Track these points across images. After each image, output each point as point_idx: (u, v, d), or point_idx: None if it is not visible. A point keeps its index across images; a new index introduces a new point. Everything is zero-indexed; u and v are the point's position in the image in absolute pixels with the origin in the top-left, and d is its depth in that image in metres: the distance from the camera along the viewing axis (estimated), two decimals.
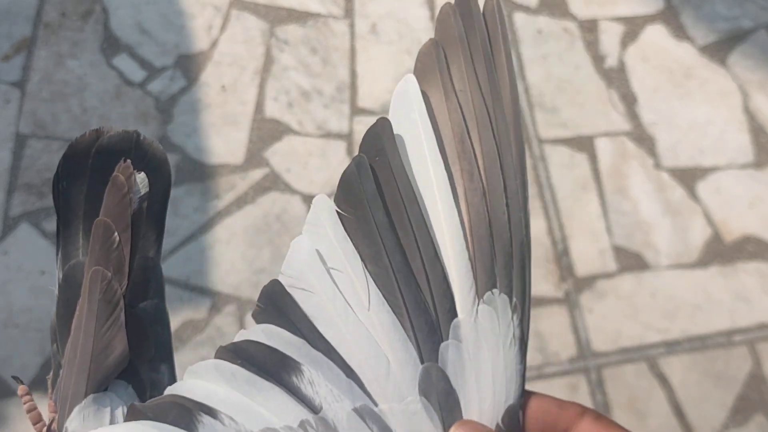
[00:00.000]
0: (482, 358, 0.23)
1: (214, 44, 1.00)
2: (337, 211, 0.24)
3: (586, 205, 0.92)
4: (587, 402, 0.83)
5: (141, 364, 0.26)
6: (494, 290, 0.24)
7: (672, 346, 0.86)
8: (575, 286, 0.88)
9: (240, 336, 0.24)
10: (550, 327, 0.86)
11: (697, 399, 0.83)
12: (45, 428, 0.26)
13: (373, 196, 0.24)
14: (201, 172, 0.92)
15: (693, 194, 0.93)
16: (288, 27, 1.02)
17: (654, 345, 0.86)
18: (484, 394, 0.23)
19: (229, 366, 0.23)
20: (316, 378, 0.23)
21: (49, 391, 0.28)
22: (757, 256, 0.90)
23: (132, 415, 0.23)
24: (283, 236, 0.89)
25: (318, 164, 0.93)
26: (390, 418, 0.23)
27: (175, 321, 0.84)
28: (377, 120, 0.25)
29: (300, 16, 1.03)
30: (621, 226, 0.91)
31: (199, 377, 0.24)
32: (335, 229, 0.24)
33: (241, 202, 0.91)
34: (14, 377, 0.28)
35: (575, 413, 0.24)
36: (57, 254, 0.28)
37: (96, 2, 1.01)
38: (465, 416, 0.23)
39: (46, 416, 0.27)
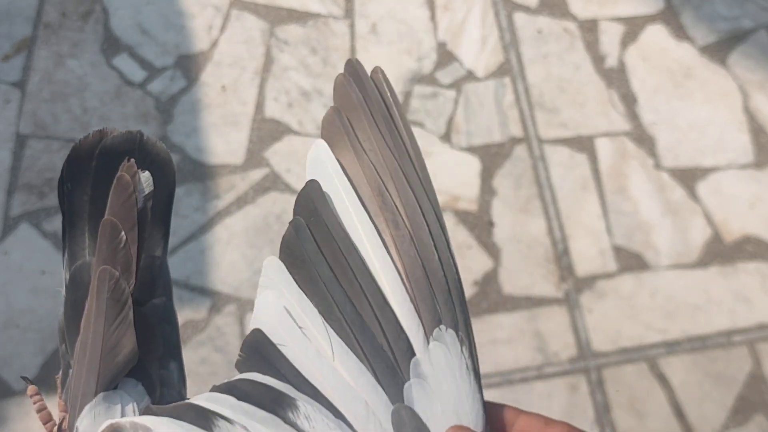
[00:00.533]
0: (444, 392, 0.24)
1: (214, 44, 1.00)
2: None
3: (586, 205, 0.92)
4: (587, 402, 0.83)
5: (150, 362, 0.26)
6: (441, 326, 0.25)
7: (672, 347, 0.86)
8: (575, 286, 0.88)
9: (228, 380, 0.25)
10: (550, 327, 0.86)
11: (697, 399, 0.83)
12: (55, 427, 0.26)
13: (315, 254, 0.25)
14: (201, 172, 0.92)
15: (693, 194, 0.93)
16: (288, 27, 1.02)
17: (654, 345, 0.86)
18: (452, 424, 0.24)
19: (225, 397, 0.24)
20: (312, 413, 0.24)
21: (59, 390, 0.28)
22: (757, 256, 0.90)
23: (148, 414, 0.24)
24: None
25: None
26: None
27: None
28: (306, 183, 0.26)
29: (300, 16, 1.03)
30: (621, 226, 0.91)
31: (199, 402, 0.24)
32: (290, 289, 0.25)
33: (241, 202, 0.91)
34: (23, 377, 0.28)
35: (561, 430, 0.24)
36: (63, 255, 0.28)
37: (96, 2, 1.01)
38: None
39: (56, 415, 0.27)
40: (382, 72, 0.28)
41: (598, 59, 1.01)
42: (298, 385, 0.24)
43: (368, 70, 0.28)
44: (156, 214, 0.27)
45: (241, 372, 0.25)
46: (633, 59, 1.01)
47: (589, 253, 0.90)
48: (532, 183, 0.93)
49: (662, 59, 1.01)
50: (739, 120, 0.98)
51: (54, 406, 0.27)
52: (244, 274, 0.87)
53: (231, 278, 0.87)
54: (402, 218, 0.26)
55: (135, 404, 0.25)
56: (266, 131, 0.95)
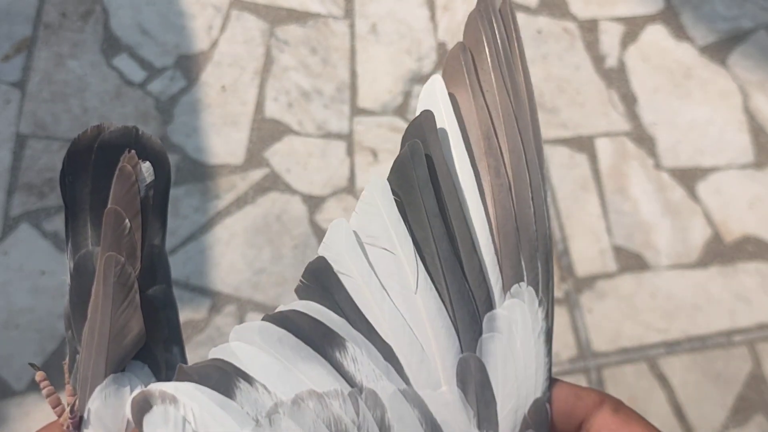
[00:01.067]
0: (515, 352, 0.24)
1: (214, 44, 1.00)
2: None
3: (586, 205, 0.92)
4: None
5: (155, 345, 0.27)
6: (521, 283, 0.24)
7: (672, 347, 0.86)
8: (575, 286, 0.88)
9: (282, 308, 0.24)
10: None
11: (697, 399, 0.83)
12: (66, 410, 0.26)
13: (425, 182, 0.24)
14: (201, 172, 0.92)
15: (693, 194, 0.93)
16: (288, 27, 1.02)
17: (654, 345, 0.86)
18: (518, 386, 0.23)
19: (276, 330, 0.24)
20: (360, 356, 0.23)
21: (66, 375, 0.28)
22: (757, 256, 0.90)
23: (179, 376, 0.24)
24: (283, 236, 0.89)
25: (318, 165, 0.93)
26: (430, 403, 0.23)
27: None
28: (421, 112, 0.26)
29: (300, 16, 1.03)
30: (621, 226, 0.91)
31: (243, 340, 0.24)
32: (390, 210, 0.24)
33: (241, 202, 0.91)
34: (31, 364, 0.29)
35: (593, 403, 0.24)
36: (66, 245, 0.29)
37: (96, 2, 1.02)
38: (499, 410, 0.23)
39: (65, 400, 0.27)
40: (511, 5, 0.27)
41: (598, 59, 1.01)
42: (354, 320, 0.24)
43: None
44: (154, 205, 0.28)
45: (300, 299, 0.25)
46: (633, 59, 1.01)
47: (589, 253, 0.90)
48: None
49: (662, 59, 1.01)
50: (739, 120, 0.98)
51: (61, 395, 0.28)
52: (244, 274, 0.87)
53: (231, 278, 0.87)
54: (504, 166, 0.25)
55: (143, 386, 0.26)
56: (266, 131, 0.95)
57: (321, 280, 0.24)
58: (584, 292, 0.88)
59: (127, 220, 0.26)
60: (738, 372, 0.85)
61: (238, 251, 0.88)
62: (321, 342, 0.24)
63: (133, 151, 0.27)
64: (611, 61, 1.01)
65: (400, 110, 0.97)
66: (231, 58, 0.99)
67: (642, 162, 0.95)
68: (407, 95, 0.98)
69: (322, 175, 0.93)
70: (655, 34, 1.03)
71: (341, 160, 0.94)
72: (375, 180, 0.25)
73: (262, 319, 0.24)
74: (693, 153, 0.96)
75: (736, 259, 0.90)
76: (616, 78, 1.00)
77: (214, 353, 0.24)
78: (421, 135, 0.25)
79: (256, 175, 0.92)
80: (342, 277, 0.24)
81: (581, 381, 0.84)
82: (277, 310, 0.25)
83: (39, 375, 0.28)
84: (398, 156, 0.25)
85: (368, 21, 1.03)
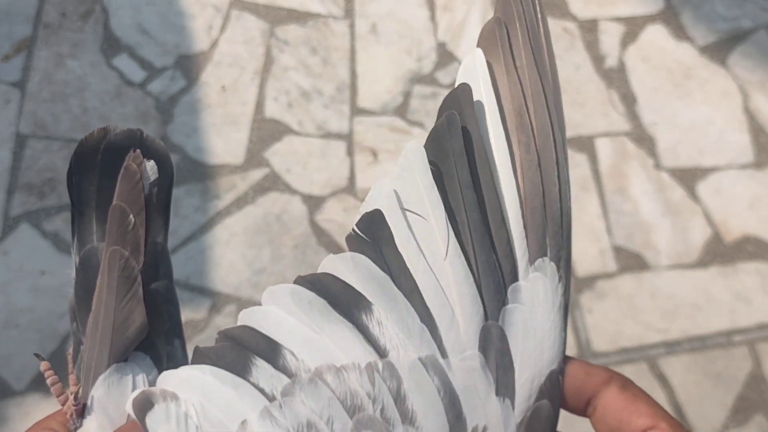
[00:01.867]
0: (536, 323, 0.24)
1: (214, 44, 1.00)
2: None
3: (586, 205, 0.92)
4: None
5: (157, 337, 0.28)
6: (545, 258, 0.25)
7: (672, 346, 0.86)
8: (575, 286, 0.88)
9: (327, 261, 0.25)
10: None
11: (697, 399, 0.83)
12: (71, 397, 0.27)
13: (460, 153, 0.25)
14: (201, 172, 0.92)
15: (693, 194, 0.93)
16: (288, 27, 1.02)
17: (654, 345, 0.86)
18: (535, 358, 0.24)
19: (306, 293, 0.25)
20: (385, 320, 0.24)
21: (70, 365, 0.29)
22: (757, 256, 0.90)
23: (195, 358, 0.25)
24: (283, 236, 0.89)
25: (318, 164, 0.93)
26: (451, 371, 0.23)
27: None
28: (458, 85, 0.26)
29: (300, 16, 1.03)
30: (621, 226, 0.91)
31: (275, 301, 0.25)
32: (424, 177, 0.25)
33: (241, 202, 0.91)
34: (36, 354, 0.30)
35: (601, 380, 0.24)
36: (73, 241, 0.30)
37: (96, 2, 1.01)
38: (517, 378, 0.24)
39: (69, 390, 0.28)
40: None
41: (598, 59, 1.01)
42: (397, 276, 0.24)
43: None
44: (157, 204, 0.29)
45: (349, 248, 0.25)
46: (633, 59, 1.01)
47: (589, 253, 0.90)
48: None
49: (662, 59, 1.01)
50: (739, 120, 0.98)
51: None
52: (244, 274, 0.87)
53: (231, 278, 0.87)
54: (534, 142, 0.26)
55: (145, 375, 0.27)
56: (266, 131, 0.95)
57: (374, 233, 0.25)
58: (584, 292, 0.88)
59: (131, 216, 0.27)
60: (738, 372, 0.85)
61: (238, 251, 0.88)
62: (348, 305, 0.24)
63: (138, 151, 0.29)
64: (611, 61, 1.01)
65: (400, 110, 0.97)
66: (231, 58, 0.99)
67: (642, 162, 0.95)
68: (407, 95, 0.98)
69: (322, 175, 0.93)
70: (655, 34, 1.03)
71: (341, 160, 0.94)
72: (412, 146, 0.25)
73: (295, 282, 0.25)
74: (693, 153, 0.96)
75: (736, 259, 0.90)
76: (616, 78, 1.00)
77: (244, 315, 0.25)
78: (458, 107, 0.26)
79: (256, 175, 0.92)
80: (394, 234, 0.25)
81: None
82: (315, 271, 0.25)
83: (44, 365, 0.29)
84: (435, 125, 0.26)
85: (368, 21, 1.03)
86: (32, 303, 0.84)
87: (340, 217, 0.91)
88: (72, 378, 0.28)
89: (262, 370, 0.24)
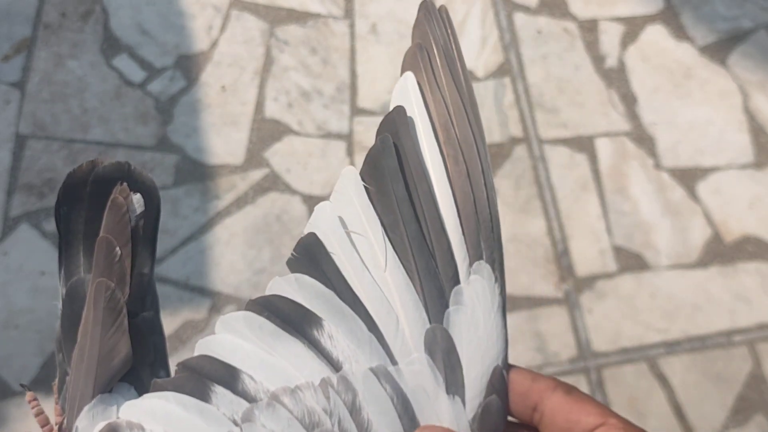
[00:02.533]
0: (478, 322, 0.25)
1: (214, 44, 1.00)
2: (362, 182, 0.27)
3: (586, 205, 0.92)
4: None
5: (142, 368, 0.28)
6: (481, 261, 0.26)
7: (672, 347, 0.86)
8: (575, 286, 0.88)
9: (273, 284, 0.26)
10: (550, 327, 0.86)
11: (697, 399, 0.83)
12: (54, 429, 0.27)
13: (395, 171, 0.27)
14: (201, 173, 0.92)
15: (693, 194, 0.93)
16: (288, 27, 1.02)
17: (654, 345, 0.86)
18: (482, 355, 0.25)
19: (256, 318, 0.26)
20: (336, 333, 0.25)
21: (55, 395, 0.30)
22: (757, 256, 0.90)
23: (154, 389, 0.25)
24: (283, 236, 0.89)
25: (318, 165, 0.93)
26: (400, 376, 0.25)
27: (175, 321, 0.84)
28: (394, 107, 0.28)
29: (300, 16, 1.03)
30: (621, 226, 0.91)
31: (228, 329, 0.26)
32: (360, 198, 0.27)
33: (241, 202, 0.91)
34: (22, 385, 0.30)
35: (546, 386, 0.25)
36: (60, 272, 0.31)
37: (96, 2, 1.02)
38: (465, 374, 0.25)
39: (53, 419, 0.28)
40: (446, 11, 0.30)
41: (598, 59, 1.01)
42: (341, 291, 0.26)
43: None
44: (144, 235, 0.30)
45: (291, 271, 0.27)
46: (633, 59, 1.01)
47: (589, 253, 0.90)
48: (532, 183, 0.93)
49: (662, 59, 1.01)
50: (739, 120, 0.98)
51: (51, 410, 0.28)
52: (244, 274, 0.87)
53: (231, 278, 0.87)
54: (462, 155, 0.28)
55: None
56: (266, 131, 0.95)
57: (312, 254, 0.27)
58: (584, 292, 0.88)
59: (118, 248, 0.28)
60: (738, 372, 0.85)
61: (238, 251, 0.88)
62: (299, 323, 0.25)
63: (125, 184, 0.29)
64: (611, 61, 1.01)
65: None
66: (231, 58, 0.99)
67: (642, 162, 0.95)
68: None
69: (322, 175, 0.93)
70: (655, 34, 1.03)
71: (341, 160, 0.94)
72: (347, 171, 0.27)
73: (245, 307, 0.26)
74: (693, 153, 0.96)
75: (736, 259, 0.90)
76: (616, 78, 1.00)
77: (201, 345, 0.26)
78: (394, 129, 0.28)
79: (256, 175, 0.92)
80: (331, 254, 0.27)
81: (581, 381, 0.84)
82: (263, 294, 0.26)
83: (29, 395, 0.29)
84: (370, 149, 0.27)
85: (368, 21, 1.03)
86: (32, 303, 0.84)
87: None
88: (57, 408, 0.29)
89: (221, 396, 0.24)
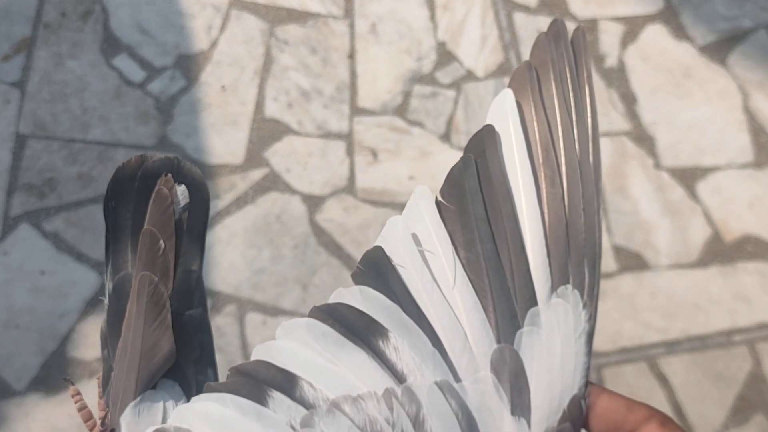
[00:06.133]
0: (554, 347, 0.25)
1: (214, 44, 1.00)
2: (438, 201, 0.27)
3: None
4: None
5: (186, 365, 0.28)
6: (567, 285, 0.26)
7: (672, 346, 0.86)
8: None
9: (337, 295, 0.26)
10: None
11: (697, 399, 0.83)
12: (98, 424, 0.27)
13: (475, 191, 0.27)
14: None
15: (693, 194, 0.93)
16: (288, 27, 1.02)
17: (654, 345, 0.86)
18: (554, 380, 0.25)
19: (321, 326, 0.25)
20: (401, 345, 0.25)
21: (99, 390, 0.29)
22: (757, 256, 0.90)
23: (208, 392, 0.25)
24: (283, 236, 0.89)
25: (318, 164, 0.93)
26: (466, 393, 0.24)
27: None
28: (483, 126, 0.28)
29: (300, 16, 1.03)
30: (621, 226, 0.91)
31: (289, 336, 0.26)
32: (432, 216, 0.27)
33: (241, 202, 0.91)
34: (65, 379, 0.30)
35: (642, 416, 0.25)
36: (107, 267, 0.30)
37: (96, 2, 1.01)
38: (533, 398, 0.24)
39: (96, 414, 0.28)
40: (584, 34, 0.29)
41: (597, 59, 1.01)
42: (405, 305, 0.25)
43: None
44: (193, 231, 0.29)
45: (356, 283, 0.26)
46: (633, 59, 1.01)
47: None
48: None
49: (662, 59, 1.01)
50: (738, 120, 0.98)
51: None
52: (244, 274, 0.87)
53: (231, 278, 0.87)
54: (559, 177, 0.27)
55: (174, 403, 0.27)
56: (266, 131, 0.95)
57: (378, 268, 0.26)
58: None
59: (161, 241, 0.27)
60: (738, 372, 0.85)
61: (238, 251, 0.88)
62: (365, 332, 0.25)
63: (169, 175, 0.29)
64: (611, 61, 1.01)
65: (400, 110, 0.97)
66: (231, 58, 0.99)
67: (642, 162, 0.95)
68: (407, 95, 0.98)
69: (322, 174, 0.93)
70: (655, 34, 1.03)
71: (341, 160, 0.94)
72: (419, 190, 0.28)
73: (309, 314, 0.26)
74: (693, 153, 0.96)
75: (736, 258, 0.90)
76: (616, 78, 1.00)
77: (258, 351, 0.25)
78: (481, 146, 0.28)
79: (256, 174, 0.92)
80: (398, 268, 0.26)
81: None
82: (327, 302, 0.26)
83: (72, 390, 0.29)
84: (452, 168, 0.27)
85: (368, 21, 1.03)
86: (32, 303, 0.84)
87: (340, 217, 0.91)
88: (101, 403, 0.28)
89: (279, 401, 0.24)
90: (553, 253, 0.26)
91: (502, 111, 0.28)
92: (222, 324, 0.85)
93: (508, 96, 0.28)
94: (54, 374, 0.81)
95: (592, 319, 0.26)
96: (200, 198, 0.30)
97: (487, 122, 0.28)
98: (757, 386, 0.84)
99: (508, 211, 0.26)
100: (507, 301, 0.25)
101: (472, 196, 0.27)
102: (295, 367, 0.25)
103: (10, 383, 0.81)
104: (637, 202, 0.93)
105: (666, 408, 0.83)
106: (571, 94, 0.29)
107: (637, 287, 0.88)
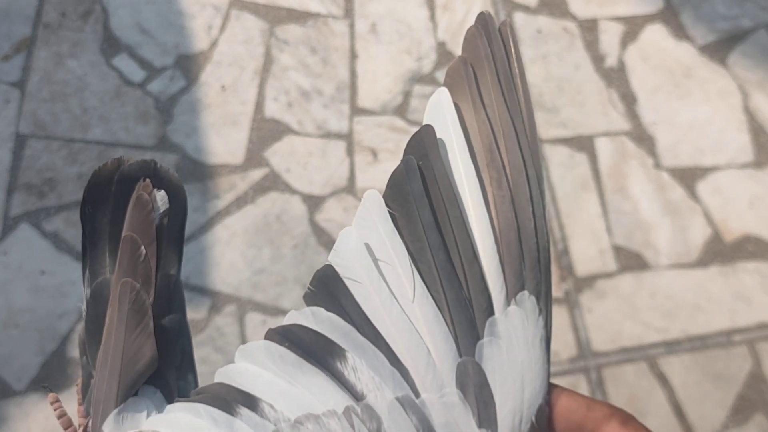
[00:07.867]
0: (515, 355, 0.24)
1: (213, 44, 1.00)
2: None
3: (586, 205, 0.92)
4: None
5: (168, 372, 0.28)
6: (524, 292, 0.25)
7: (672, 346, 0.86)
8: (575, 285, 0.88)
9: (290, 317, 0.25)
10: None
11: (697, 399, 0.83)
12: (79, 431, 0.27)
13: (420, 195, 0.25)
14: (201, 172, 0.92)
15: (693, 194, 0.93)
16: (288, 27, 1.02)
17: (654, 345, 0.86)
18: (516, 390, 0.24)
19: (277, 348, 0.25)
20: (360, 365, 0.24)
21: (79, 397, 0.29)
22: (757, 256, 0.90)
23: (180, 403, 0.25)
24: (283, 236, 0.89)
25: (318, 164, 0.93)
26: (428, 408, 0.24)
27: None
28: (421, 127, 0.26)
29: (300, 16, 1.03)
30: (621, 225, 0.91)
31: (248, 359, 0.25)
32: (384, 224, 0.25)
33: (241, 202, 0.91)
34: (43, 385, 0.30)
35: (602, 415, 0.24)
36: (84, 273, 0.30)
37: (96, 2, 1.01)
38: (498, 410, 0.24)
39: (76, 421, 0.28)
40: (511, 27, 0.28)
41: (597, 59, 1.01)
42: (360, 325, 0.25)
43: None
44: (170, 235, 0.29)
45: (308, 305, 0.25)
46: (633, 59, 1.01)
47: (589, 252, 0.90)
48: None
49: (662, 59, 1.01)
50: (738, 119, 0.98)
51: (73, 412, 0.28)
52: (244, 274, 0.87)
53: (231, 278, 0.87)
54: (506, 178, 0.26)
55: (156, 410, 0.26)
56: (266, 131, 0.95)
57: (329, 287, 0.25)
58: (584, 291, 0.88)
59: (142, 247, 0.27)
60: (738, 372, 0.85)
61: (238, 251, 0.88)
62: (322, 354, 0.24)
63: (148, 180, 0.28)
64: (611, 61, 1.01)
65: (400, 110, 0.97)
66: (231, 58, 0.99)
67: (642, 161, 0.95)
68: (407, 95, 0.98)
69: (322, 174, 0.93)
70: (655, 34, 1.03)
71: (341, 160, 0.94)
72: (369, 195, 0.26)
73: (265, 337, 0.25)
74: (693, 152, 0.96)
75: (736, 258, 0.90)
76: (616, 77, 1.00)
77: (220, 374, 0.25)
78: (422, 149, 0.26)
79: (256, 174, 0.92)
80: (350, 284, 0.25)
81: (581, 381, 0.84)
82: (282, 324, 0.25)
83: (51, 397, 0.29)
84: (393, 172, 0.26)
85: (368, 21, 1.03)
86: (32, 303, 0.84)
87: (340, 217, 0.91)
88: (80, 410, 0.28)
89: (246, 418, 0.24)
90: (506, 259, 0.25)
91: (439, 111, 0.27)
92: (222, 324, 0.85)
93: (443, 95, 0.27)
94: (54, 374, 0.81)
95: (548, 325, 0.25)
96: (178, 202, 0.29)
97: (425, 122, 0.27)
98: (757, 386, 0.84)
99: (456, 217, 0.25)
100: (464, 311, 0.24)
101: (418, 202, 0.25)
102: (256, 389, 0.24)
103: (10, 383, 0.81)
104: (637, 202, 0.93)
105: (666, 407, 0.83)
106: (507, 90, 0.27)
107: (637, 287, 0.88)
